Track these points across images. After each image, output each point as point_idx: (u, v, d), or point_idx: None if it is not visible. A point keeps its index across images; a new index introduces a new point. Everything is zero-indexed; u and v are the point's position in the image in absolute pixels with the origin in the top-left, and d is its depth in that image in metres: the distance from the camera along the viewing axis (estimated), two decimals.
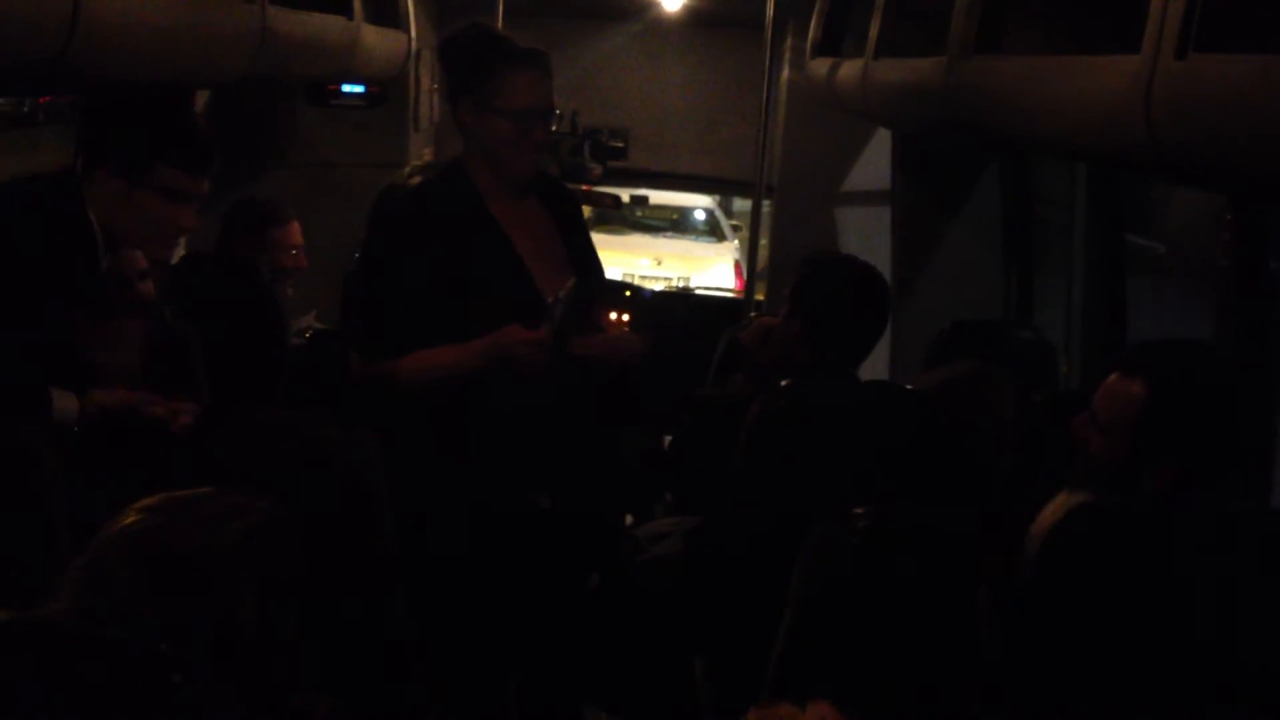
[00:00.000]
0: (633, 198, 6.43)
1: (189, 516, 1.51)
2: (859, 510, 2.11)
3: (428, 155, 5.75)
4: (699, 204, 13.84)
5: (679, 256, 12.52)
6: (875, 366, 4.11)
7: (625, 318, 5.74)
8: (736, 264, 12.20)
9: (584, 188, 5.52)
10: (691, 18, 5.79)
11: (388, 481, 2.27)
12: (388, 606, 2.23)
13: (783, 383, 2.70)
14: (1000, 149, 4.05)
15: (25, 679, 1.37)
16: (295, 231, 3.95)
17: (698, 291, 10.93)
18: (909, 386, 2.93)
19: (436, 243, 2.74)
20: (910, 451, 2.59)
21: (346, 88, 5.10)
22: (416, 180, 3.10)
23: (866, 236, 5.23)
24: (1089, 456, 2.10)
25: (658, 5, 5.65)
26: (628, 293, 5.82)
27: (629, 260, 12.04)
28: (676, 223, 13.64)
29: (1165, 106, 1.70)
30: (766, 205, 5.41)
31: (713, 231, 13.71)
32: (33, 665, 1.39)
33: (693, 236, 13.52)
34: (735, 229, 13.92)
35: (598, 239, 13.77)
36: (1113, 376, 2.08)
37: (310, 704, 1.48)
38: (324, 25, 3.60)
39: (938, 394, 2.80)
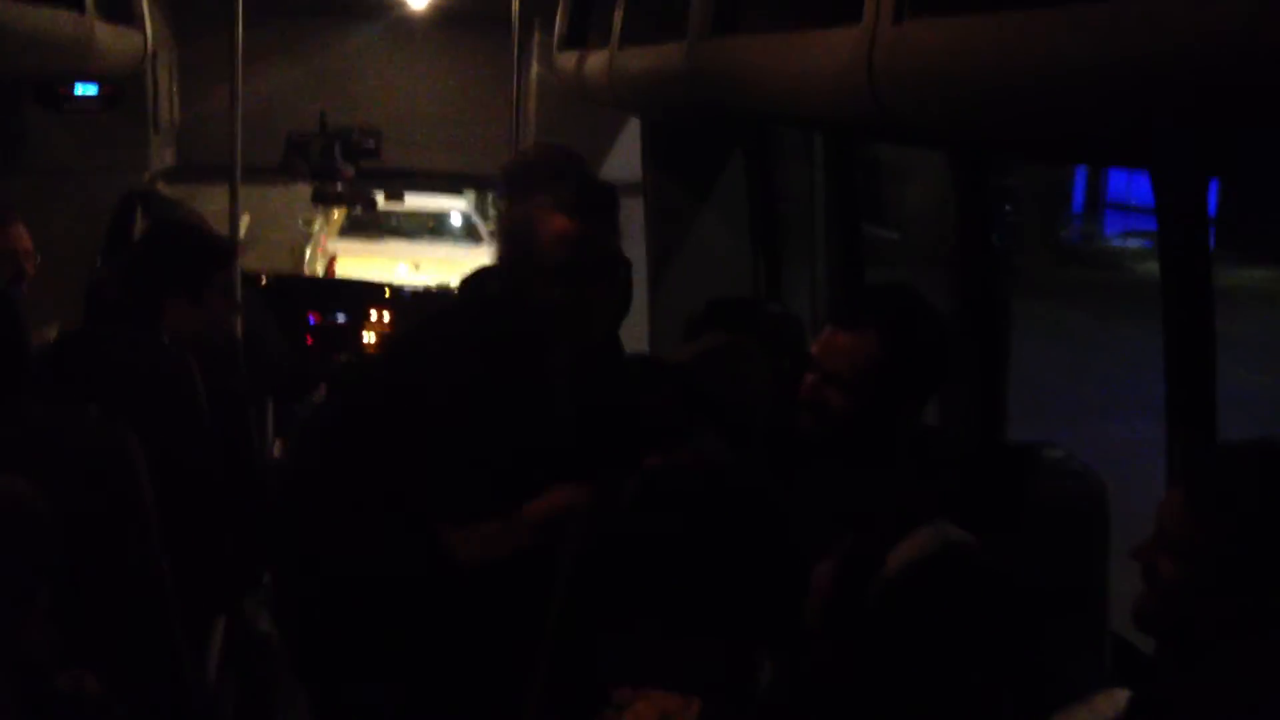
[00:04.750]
0: (388, 196, 6.37)
1: None
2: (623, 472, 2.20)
3: (169, 159, 5.56)
4: (455, 207, 13.79)
5: (438, 260, 12.44)
6: (636, 344, 4.21)
7: (385, 317, 5.72)
8: None
9: (336, 189, 5.44)
10: (438, 15, 5.78)
11: (145, 473, 2.22)
12: (151, 590, 2.19)
13: None
14: (742, 126, 4.20)
15: None
16: (20, 236, 3.71)
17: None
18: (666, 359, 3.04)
19: None
20: (672, 419, 2.68)
21: (79, 89, 4.88)
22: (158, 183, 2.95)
23: (621, 224, 5.34)
24: (830, 414, 2.17)
25: (403, 4, 5.62)
26: (387, 292, 5.78)
27: (386, 266, 11.91)
28: (433, 228, 13.56)
29: (886, 71, 1.82)
30: None
31: (470, 234, 13.69)
32: None
33: (451, 240, 13.46)
34: (493, 232, 13.94)
35: (352, 246, 13.47)
36: (837, 334, 2.17)
37: (76, 682, 1.45)
38: (52, 20, 3.44)
39: (694, 365, 2.91)
